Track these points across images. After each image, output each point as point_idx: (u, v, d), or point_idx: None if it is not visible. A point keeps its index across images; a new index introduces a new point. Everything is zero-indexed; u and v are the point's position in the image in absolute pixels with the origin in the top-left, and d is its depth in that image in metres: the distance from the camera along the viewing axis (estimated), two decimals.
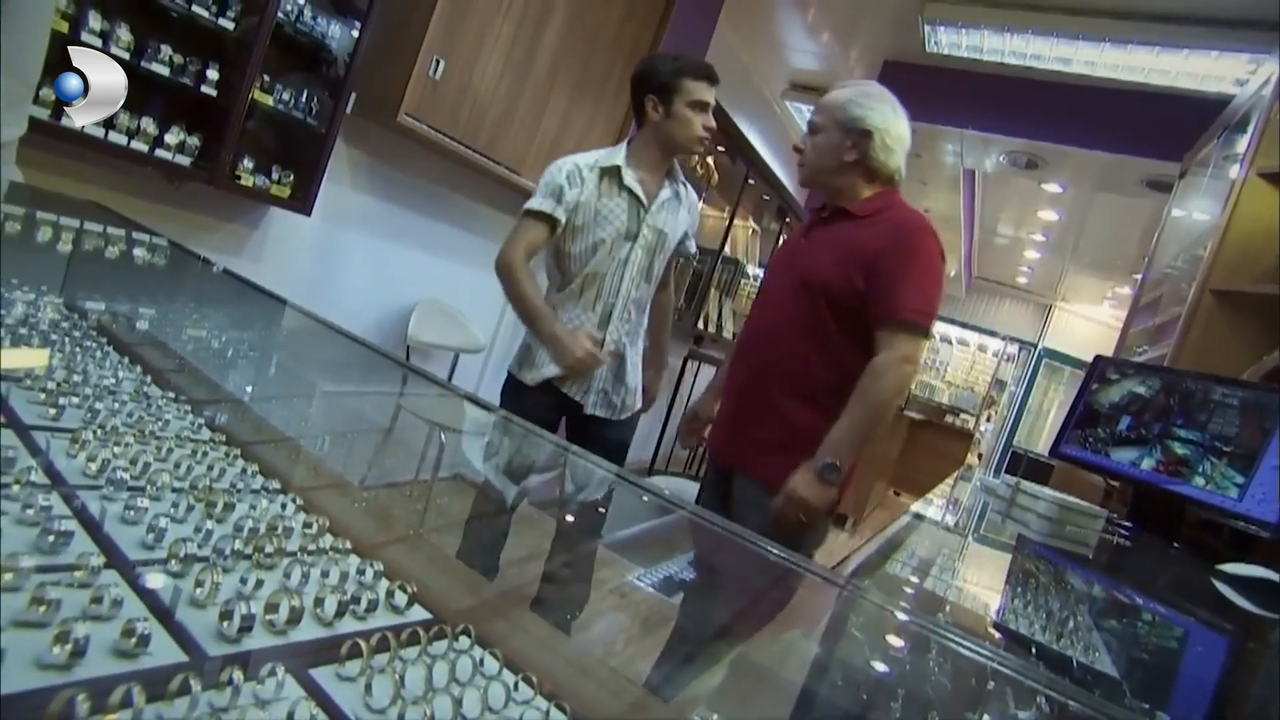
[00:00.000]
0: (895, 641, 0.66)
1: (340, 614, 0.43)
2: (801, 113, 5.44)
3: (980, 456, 9.73)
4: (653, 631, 0.79)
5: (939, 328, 10.35)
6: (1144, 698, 0.72)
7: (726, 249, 5.41)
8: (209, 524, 0.48)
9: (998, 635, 0.81)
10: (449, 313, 3.18)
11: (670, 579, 0.99)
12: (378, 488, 0.82)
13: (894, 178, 1.57)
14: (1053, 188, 5.73)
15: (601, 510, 0.99)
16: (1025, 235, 7.79)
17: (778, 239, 6.06)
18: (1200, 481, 1.50)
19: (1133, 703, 0.67)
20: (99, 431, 0.56)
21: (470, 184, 3.09)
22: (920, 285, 1.44)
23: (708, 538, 0.86)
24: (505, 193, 3.09)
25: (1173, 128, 3.73)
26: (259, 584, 0.43)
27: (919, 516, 1.35)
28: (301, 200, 2.36)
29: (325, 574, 0.47)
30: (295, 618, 0.41)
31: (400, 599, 0.47)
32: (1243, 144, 2.56)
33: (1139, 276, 4.03)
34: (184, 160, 2.02)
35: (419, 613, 0.47)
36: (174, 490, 0.51)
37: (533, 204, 1.73)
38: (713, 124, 1.77)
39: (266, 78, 2.15)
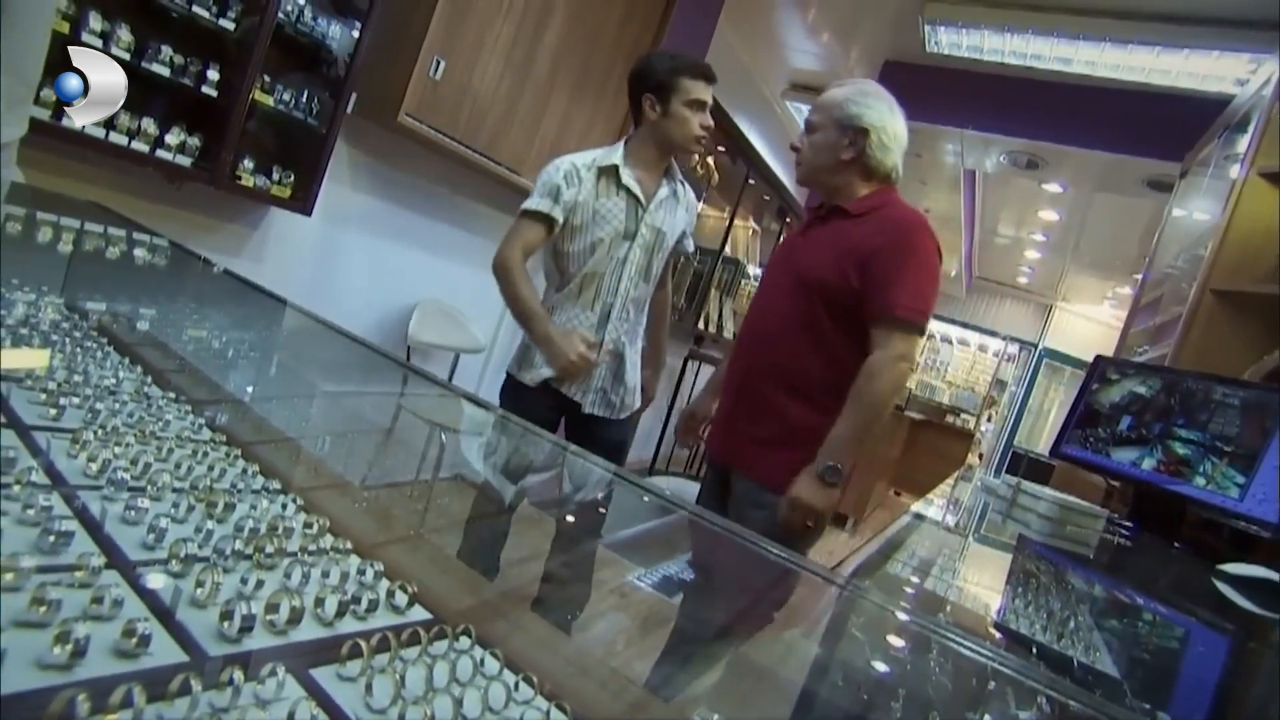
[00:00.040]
0: (896, 641, 0.66)
1: (341, 614, 0.43)
2: (802, 113, 5.44)
3: (981, 457, 9.73)
4: (653, 631, 0.79)
5: (940, 328, 10.35)
6: (1145, 698, 0.72)
7: (727, 249, 5.41)
8: (209, 524, 0.48)
9: (998, 635, 0.81)
10: (449, 313, 3.18)
11: (670, 579, 0.99)
12: (378, 488, 0.81)
13: (891, 176, 1.57)
14: (1053, 188, 5.73)
15: (602, 510, 0.99)
16: (1026, 235, 7.78)
17: (778, 239, 6.06)
18: (1201, 481, 1.50)
19: (1133, 703, 0.67)
20: (100, 432, 0.56)
21: (470, 184, 3.10)
22: (915, 283, 1.44)
23: (708, 538, 0.86)
24: (505, 193, 3.09)
25: (1173, 127, 3.72)
26: (259, 584, 0.43)
27: (919, 516, 1.35)
28: (302, 201, 2.36)
29: (326, 574, 0.47)
30: (296, 618, 0.41)
31: (401, 599, 0.47)
32: (1243, 144, 2.56)
33: (1139, 276, 4.03)
34: (184, 161, 2.02)
35: (419, 613, 0.47)
36: (175, 490, 0.51)
37: (530, 204, 1.73)
38: (710, 123, 1.77)
39: (267, 78, 2.16)
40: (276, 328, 1.43)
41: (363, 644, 0.39)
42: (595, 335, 1.77)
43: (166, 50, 1.90)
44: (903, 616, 0.69)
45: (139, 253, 1.50)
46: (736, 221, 5.41)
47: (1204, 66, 3.72)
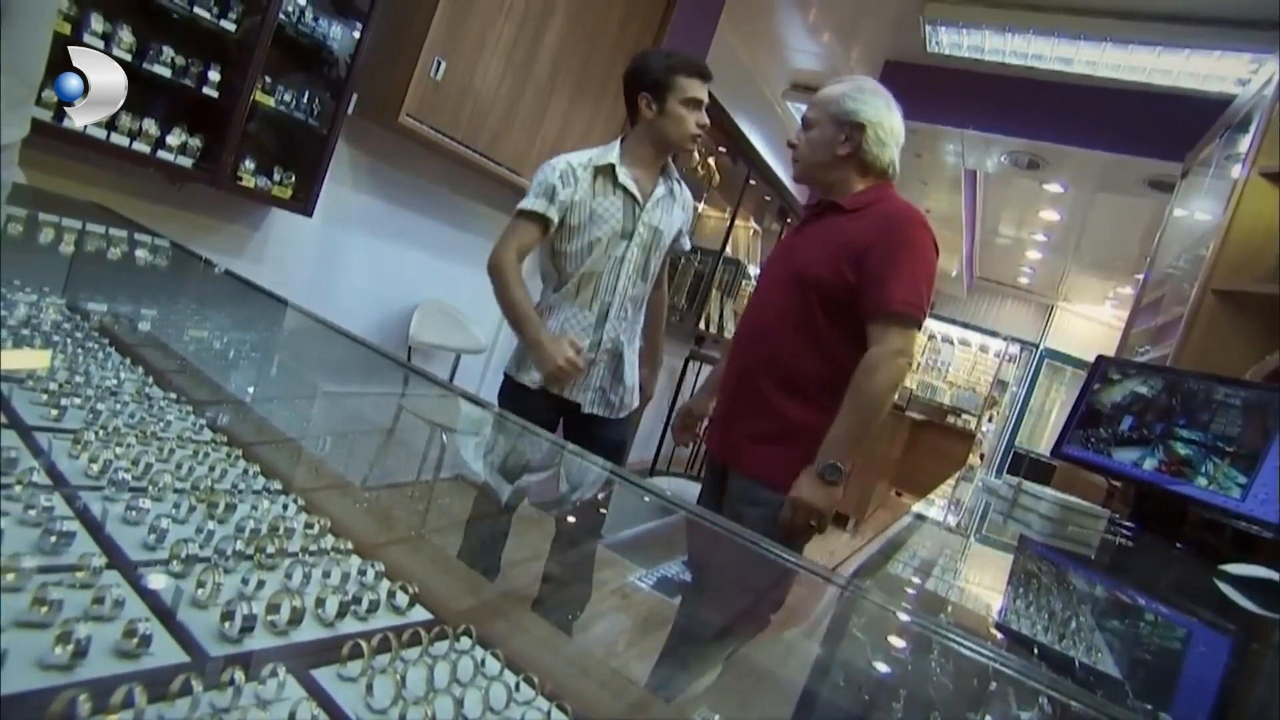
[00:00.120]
0: (897, 642, 0.66)
1: (341, 614, 0.43)
2: (802, 113, 5.43)
3: (982, 457, 9.72)
4: (654, 632, 0.79)
5: (941, 328, 10.35)
6: (1146, 698, 0.72)
7: (728, 249, 5.41)
8: (210, 525, 0.48)
9: (1000, 636, 0.81)
10: (450, 313, 3.18)
11: (671, 579, 0.99)
12: (379, 488, 0.82)
13: (888, 172, 1.57)
14: (1054, 188, 5.72)
15: (602, 510, 0.99)
16: (1027, 235, 7.77)
17: (779, 239, 6.06)
18: (1203, 482, 1.49)
19: (1135, 703, 0.67)
20: (101, 432, 0.56)
21: (471, 185, 3.10)
22: (911, 277, 1.43)
23: (708, 538, 0.86)
24: (506, 194, 3.09)
25: (1174, 127, 3.72)
26: (260, 584, 0.43)
27: (921, 517, 1.35)
28: (303, 201, 2.36)
29: (327, 574, 0.47)
30: (297, 618, 0.41)
31: (401, 599, 0.47)
32: (1245, 144, 2.56)
33: (1141, 276, 4.02)
34: (186, 161, 2.02)
35: (420, 613, 0.47)
36: (176, 491, 0.51)
37: (525, 204, 1.72)
38: (706, 121, 1.77)
39: (268, 79, 2.16)
40: (277, 328, 1.43)
41: (364, 644, 0.39)
42: (594, 334, 1.77)
43: (168, 51, 1.90)
44: (904, 617, 0.69)
45: (140, 253, 1.50)
46: (737, 222, 5.41)
47: (1205, 66, 3.71)
